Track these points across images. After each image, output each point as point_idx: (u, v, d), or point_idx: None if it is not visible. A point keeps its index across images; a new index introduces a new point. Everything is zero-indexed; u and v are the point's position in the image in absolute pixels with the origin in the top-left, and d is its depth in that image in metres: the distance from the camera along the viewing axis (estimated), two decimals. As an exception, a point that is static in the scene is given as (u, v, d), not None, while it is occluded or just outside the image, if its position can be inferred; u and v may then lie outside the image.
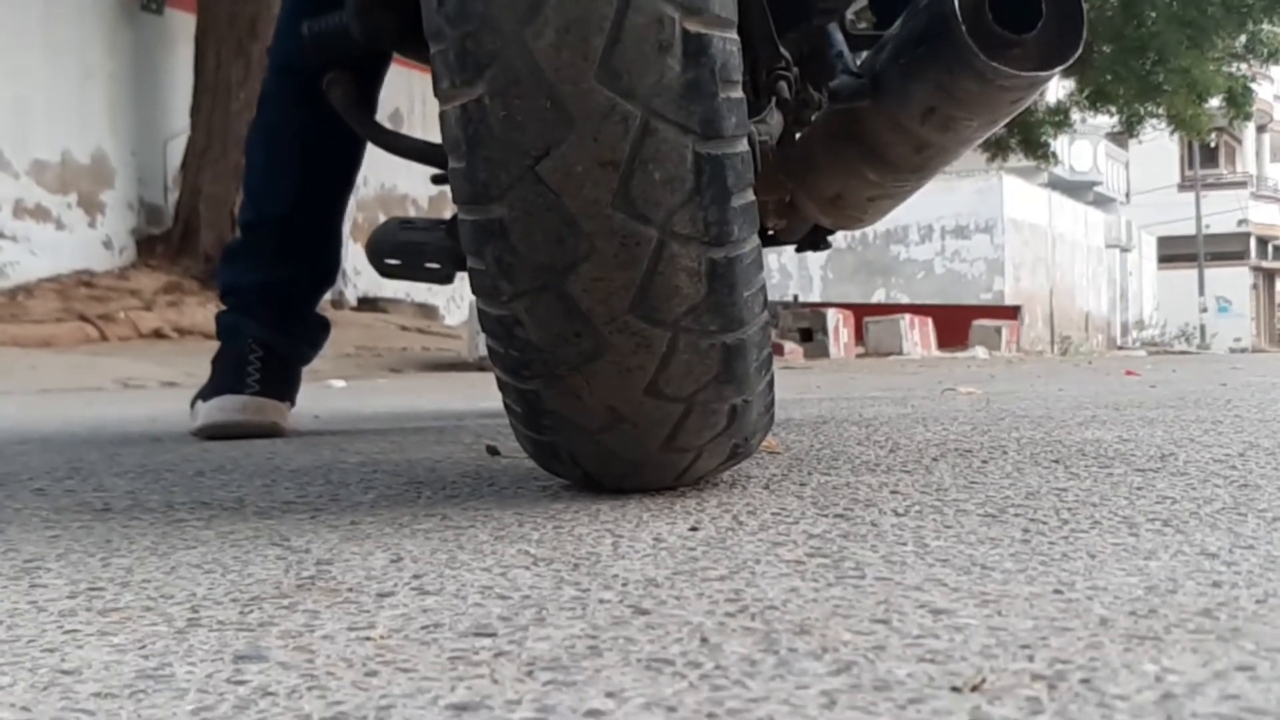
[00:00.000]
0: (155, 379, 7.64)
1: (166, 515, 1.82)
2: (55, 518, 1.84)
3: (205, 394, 3.38)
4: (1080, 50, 1.77)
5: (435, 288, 14.14)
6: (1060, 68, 1.78)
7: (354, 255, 13.37)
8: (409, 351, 10.30)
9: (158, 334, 9.48)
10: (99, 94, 10.82)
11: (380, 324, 11.67)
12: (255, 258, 3.41)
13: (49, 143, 10.54)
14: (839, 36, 2.09)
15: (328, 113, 2.42)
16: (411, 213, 13.98)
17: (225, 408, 3.28)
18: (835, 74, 2.01)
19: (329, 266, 3.46)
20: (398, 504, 1.93)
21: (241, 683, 0.92)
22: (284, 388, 3.42)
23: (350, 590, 1.27)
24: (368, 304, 12.80)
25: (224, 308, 3.49)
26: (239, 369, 3.34)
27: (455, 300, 13.82)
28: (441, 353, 10.00)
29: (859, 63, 2.06)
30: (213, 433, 3.26)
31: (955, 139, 2.08)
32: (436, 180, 2.59)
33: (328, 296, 12.25)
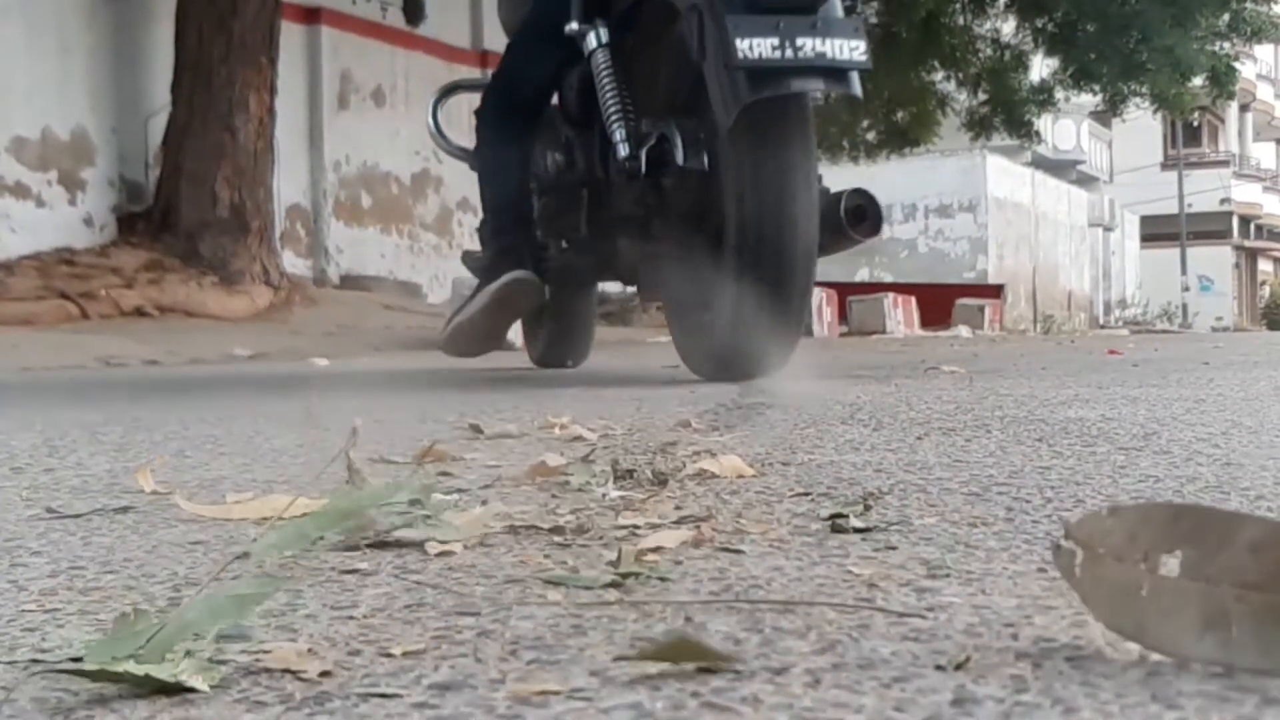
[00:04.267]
0: (137, 357, 7.60)
1: (146, 494, 1.81)
2: (34, 496, 1.83)
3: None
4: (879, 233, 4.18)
5: (417, 265, 14.11)
6: (868, 240, 4.27)
7: (336, 234, 13.32)
8: (392, 330, 10.27)
9: (139, 312, 9.42)
10: (79, 70, 10.75)
11: (363, 302, 11.63)
12: None
13: (29, 120, 10.47)
14: None
15: None
16: (393, 190, 13.92)
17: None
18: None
19: None
20: (382, 480, 1.92)
21: (223, 661, 0.92)
22: None
23: (333, 569, 1.26)
24: (350, 282, 12.74)
25: None
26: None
27: (438, 279, 13.78)
28: (424, 331, 9.98)
29: None
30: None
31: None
32: None
33: (309, 274, 12.21)
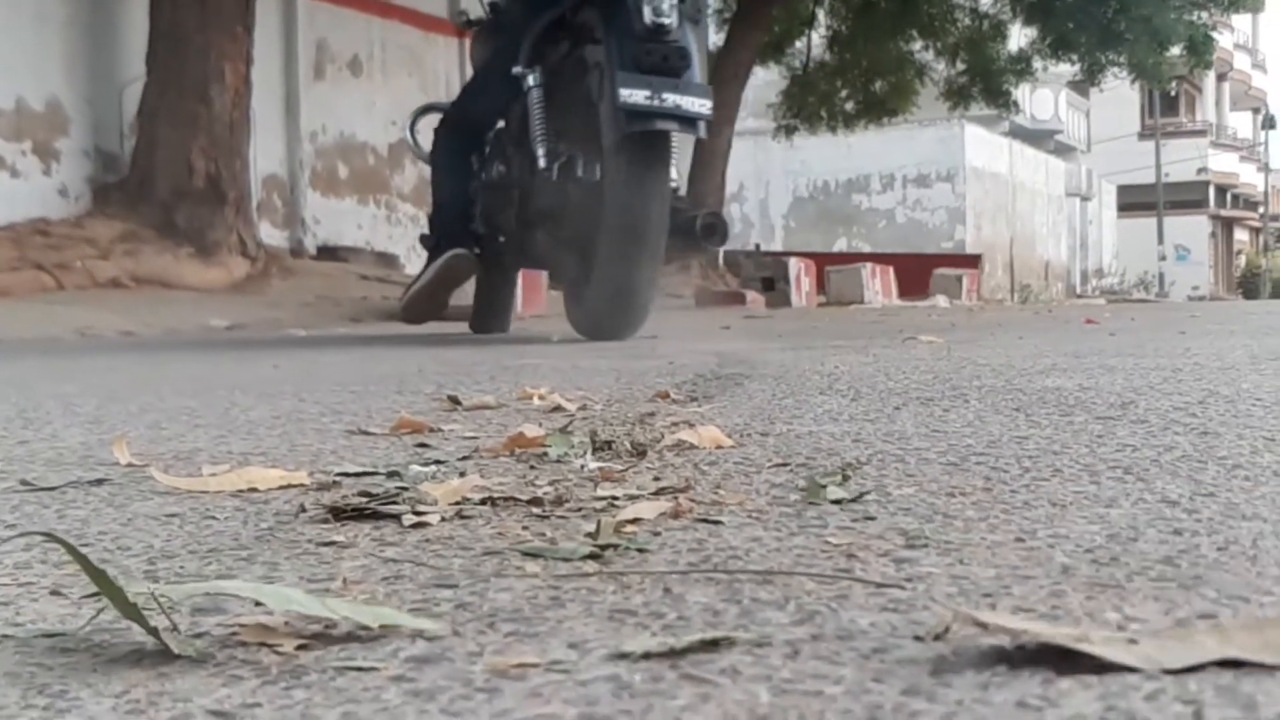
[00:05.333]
0: (112, 328, 7.56)
1: (122, 466, 1.80)
2: (8, 469, 1.81)
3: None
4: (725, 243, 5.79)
5: (394, 235, 14.06)
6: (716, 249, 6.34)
7: (312, 204, 13.26)
8: (369, 301, 10.23)
9: (115, 283, 9.36)
10: (54, 40, 10.66)
11: (340, 273, 11.57)
12: None
13: (3, 90, 10.38)
14: None
15: None
16: (370, 160, 13.86)
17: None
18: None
19: None
20: (358, 454, 1.92)
21: (200, 635, 0.91)
22: None
23: (310, 542, 1.25)
24: (327, 253, 12.68)
25: None
26: None
27: (416, 250, 13.73)
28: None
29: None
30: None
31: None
32: None
33: (286, 245, 12.30)
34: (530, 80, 5.56)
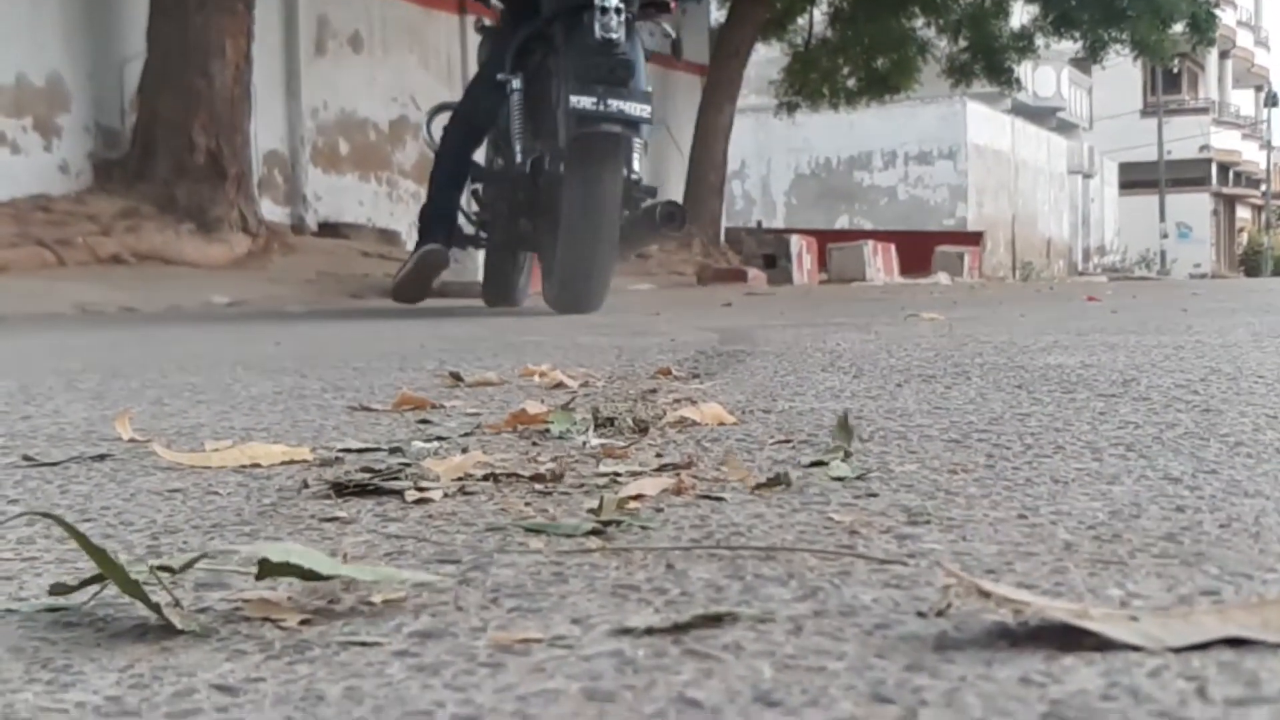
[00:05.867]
0: (114, 304, 7.55)
1: (124, 442, 1.80)
2: (11, 444, 1.81)
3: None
4: (682, 229, 7.32)
5: (396, 212, 14.04)
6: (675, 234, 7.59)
7: (313, 181, 13.24)
8: (370, 277, 10.21)
9: (116, 259, 9.34)
10: (54, 16, 10.62)
11: (341, 250, 11.55)
12: None
13: (3, 66, 10.34)
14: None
15: None
16: (371, 137, 13.83)
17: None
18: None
19: None
20: (360, 430, 1.92)
21: (204, 610, 0.91)
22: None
23: (313, 517, 1.26)
24: (329, 229, 12.64)
25: None
26: None
27: (416, 226, 13.69)
28: (403, 279, 9.93)
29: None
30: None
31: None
32: None
33: (287, 221, 12.43)
34: (512, 85, 6.33)
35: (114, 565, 0.88)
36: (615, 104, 5.76)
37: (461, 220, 6.88)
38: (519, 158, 6.29)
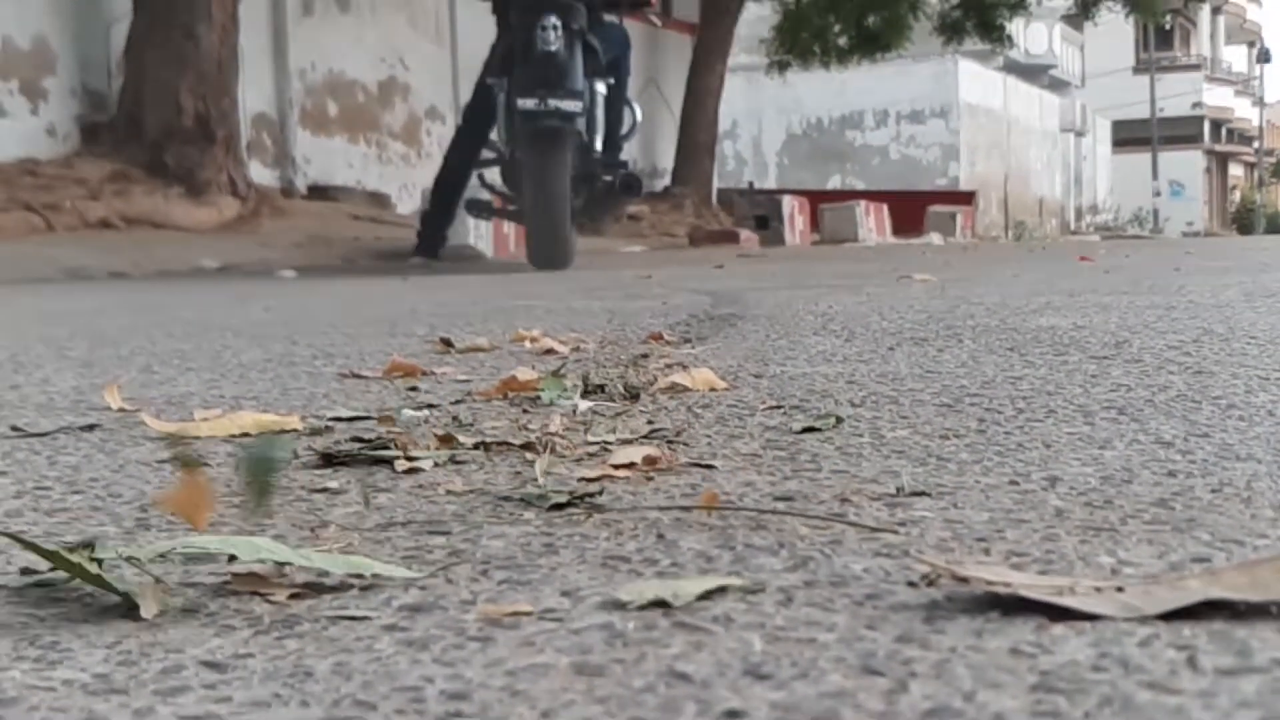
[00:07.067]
0: (103, 269, 7.52)
1: (113, 412, 1.79)
2: None
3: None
4: (641, 194, 10.20)
5: (385, 175, 13.97)
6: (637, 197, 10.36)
7: (302, 143, 13.18)
8: (360, 241, 10.18)
9: (104, 223, 9.29)
10: (38, -23, 10.54)
11: (331, 213, 11.50)
12: None
13: (-12, 28, 10.28)
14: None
15: None
16: (359, 98, 13.75)
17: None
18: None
19: None
20: (350, 398, 1.91)
21: (192, 585, 0.91)
22: None
23: (302, 488, 1.25)
24: (318, 192, 12.58)
25: None
26: None
27: (407, 189, 13.65)
28: (394, 241, 9.89)
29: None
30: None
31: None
32: None
33: (276, 184, 12.77)
34: (497, 87, 7.70)
35: (72, 564, 0.87)
36: (553, 103, 7.23)
37: (482, 192, 8.43)
38: (502, 148, 7.87)
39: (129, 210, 9.68)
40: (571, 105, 7.32)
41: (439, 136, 13.83)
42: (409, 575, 0.91)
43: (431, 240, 9.01)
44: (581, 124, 7.53)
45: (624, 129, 8.34)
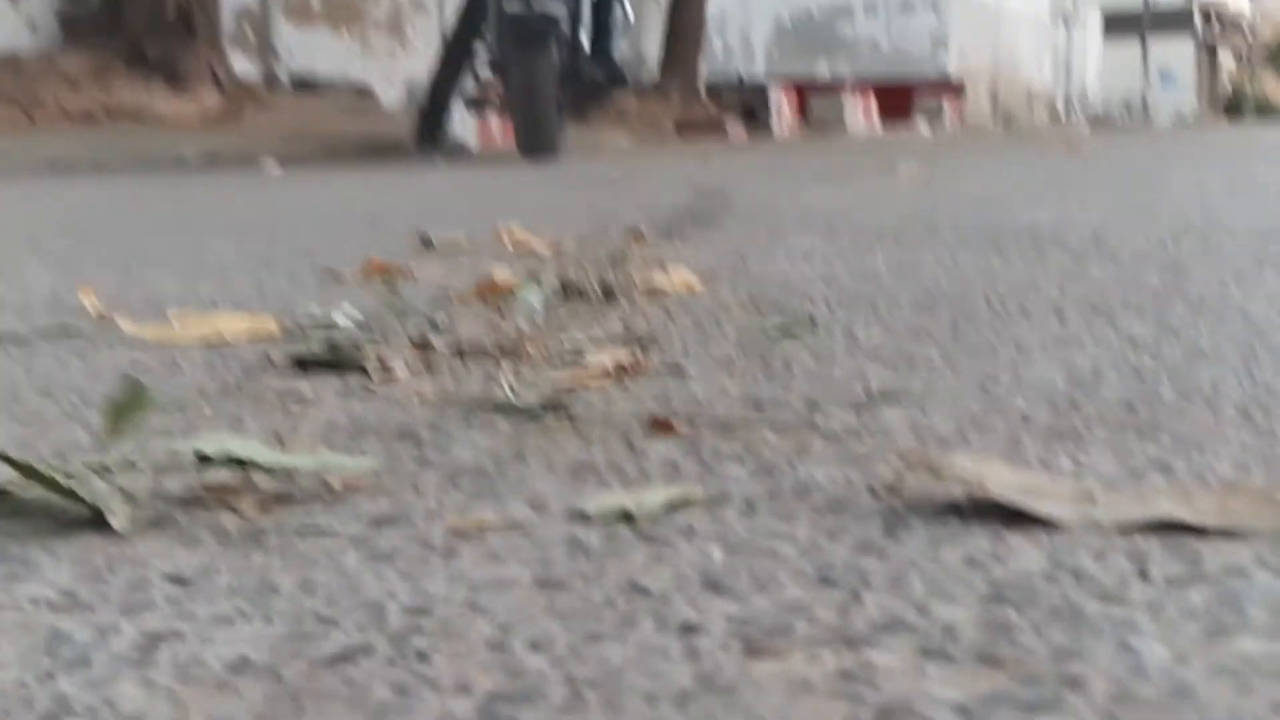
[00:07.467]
0: (85, 160, 7.46)
1: (91, 315, 1.79)
2: (-23, 319, 1.80)
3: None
4: (626, 84, 9.89)
5: (369, 67, 13.81)
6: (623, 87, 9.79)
7: (285, 35, 13.02)
8: (344, 133, 10.09)
9: (87, 116, 9.21)
10: None
11: (314, 105, 11.39)
12: None
13: (-38, -83, 10.08)
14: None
15: None
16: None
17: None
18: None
19: None
20: (327, 299, 1.91)
21: (162, 497, 0.91)
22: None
23: (276, 395, 1.25)
24: (301, 85, 12.46)
25: None
26: None
27: (390, 81, 13.49)
28: (377, 134, 9.81)
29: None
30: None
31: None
32: None
33: (259, 78, 12.81)
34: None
35: (48, 479, 0.87)
36: (538, 7, 7.81)
37: (478, 89, 9.08)
38: (494, 47, 8.37)
39: (111, 103, 9.59)
40: (555, 9, 7.86)
41: (423, 30, 13.68)
42: (374, 465, 0.92)
43: (429, 134, 9.27)
44: (567, 26, 8.02)
45: (616, 29, 8.79)
